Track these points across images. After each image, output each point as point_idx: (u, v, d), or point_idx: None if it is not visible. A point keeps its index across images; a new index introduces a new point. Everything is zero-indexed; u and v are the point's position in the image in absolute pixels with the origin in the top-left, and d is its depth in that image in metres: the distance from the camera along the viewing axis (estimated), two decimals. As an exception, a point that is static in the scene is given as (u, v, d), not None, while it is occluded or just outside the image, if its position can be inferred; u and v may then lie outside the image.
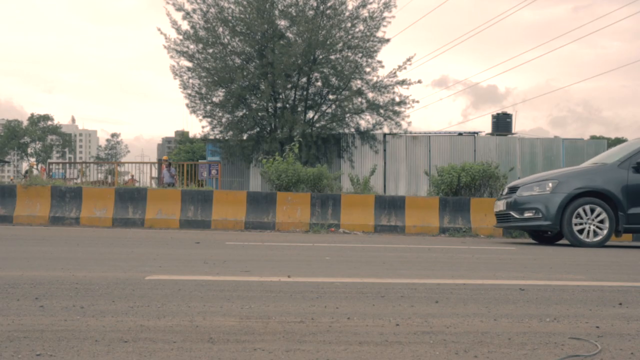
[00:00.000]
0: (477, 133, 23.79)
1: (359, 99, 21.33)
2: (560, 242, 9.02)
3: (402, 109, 21.43)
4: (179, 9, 21.08)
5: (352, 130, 21.92)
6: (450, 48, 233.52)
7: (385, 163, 22.41)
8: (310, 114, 21.99)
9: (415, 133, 23.04)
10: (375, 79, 21.58)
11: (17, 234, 8.03)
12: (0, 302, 2.68)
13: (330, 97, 21.99)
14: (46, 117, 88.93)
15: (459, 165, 12.50)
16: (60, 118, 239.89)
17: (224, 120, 21.98)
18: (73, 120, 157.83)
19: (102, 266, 4.21)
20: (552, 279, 4.00)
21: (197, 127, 51.92)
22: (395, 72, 21.39)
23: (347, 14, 21.30)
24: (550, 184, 8.26)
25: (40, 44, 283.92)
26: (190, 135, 59.88)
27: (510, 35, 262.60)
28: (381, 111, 21.39)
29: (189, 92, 21.70)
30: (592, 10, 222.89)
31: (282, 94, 21.79)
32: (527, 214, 8.36)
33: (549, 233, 8.93)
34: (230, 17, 21.09)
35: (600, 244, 7.98)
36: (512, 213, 8.56)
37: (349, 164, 21.73)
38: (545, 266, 5.03)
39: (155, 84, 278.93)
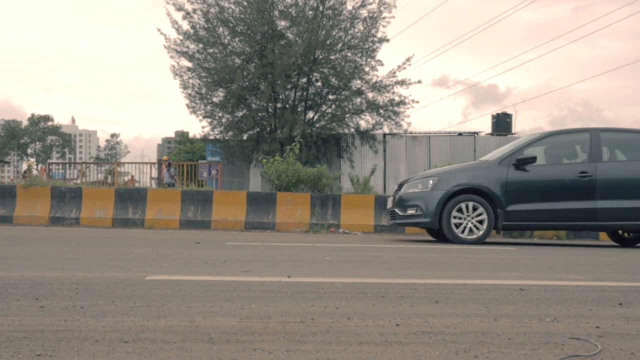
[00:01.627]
0: (477, 133, 23.79)
1: (359, 99, 21.35)
2: None
3: (402, 109, 21.48)
4: (179, 9, 21.12)
5: (352, 130, 21.93)
6: (450, 48, 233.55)
7: (385, 163, 22.42)
8: (310, 114, 22.01)
9: (415, 133, 23.05)
10: (375, 79, 21.62)
11: (17, 234, 8.03)
12: (0, 302, 2.68)
13: (330, 97, 22.02)
14: (46, 118, 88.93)
15: (459, 165, 12.50)
16: (60, 118, 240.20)
17: (224, 120, 22.01)
18: (73, 120, 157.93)
19: (102, 266, 4.21)
20: (552, 279, 4.00)
21: (197, 127, 51.82)
22: (394, 72, 21.44)
23: (347, 14, 21.33)
24: (431, 181, 8.10)
25: (40, 44, 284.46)
26: (190, 135, 59.79)
27: (510, 35, 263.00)
28: (381, 111, 21.41)
29: (189, 92, 21.74)
30: (592, 10, 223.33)
31: (282, 94, 21.81)
32: (409, 211, 8.17)
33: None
34: (230, 17, 21.10)
35: (479, 241, 7.85)
36: (397, 210, 8.38)
37: (349, 164, 21.74)
38: (545, 266, 5.03)
39: (155, 84, 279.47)
